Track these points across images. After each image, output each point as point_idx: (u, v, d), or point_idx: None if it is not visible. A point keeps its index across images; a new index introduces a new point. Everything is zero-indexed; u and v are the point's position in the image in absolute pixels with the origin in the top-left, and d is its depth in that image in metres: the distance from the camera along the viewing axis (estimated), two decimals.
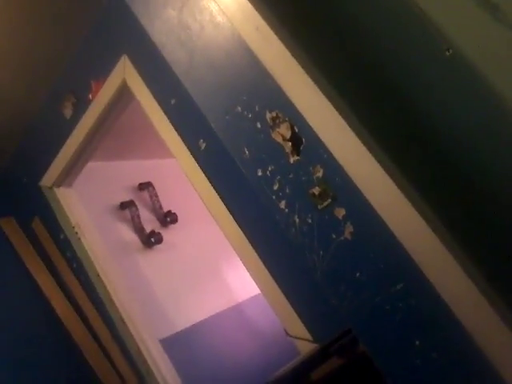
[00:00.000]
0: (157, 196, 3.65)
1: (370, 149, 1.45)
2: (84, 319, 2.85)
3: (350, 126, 1.47)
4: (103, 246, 2.96)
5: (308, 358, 1.77)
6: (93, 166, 3.18)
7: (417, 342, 1.41)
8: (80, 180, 3.05)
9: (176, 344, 2.96)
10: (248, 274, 3.23)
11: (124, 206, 3.42)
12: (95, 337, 2.82)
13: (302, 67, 1.54)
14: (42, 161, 2.91)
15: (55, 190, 2.94)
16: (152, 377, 2.71)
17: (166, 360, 2.79)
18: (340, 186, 1.48)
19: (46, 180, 2.93)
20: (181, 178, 3.53)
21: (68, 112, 2.72)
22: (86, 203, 3.06)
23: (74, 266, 2.91)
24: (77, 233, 2.87)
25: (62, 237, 2.94)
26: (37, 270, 2.92)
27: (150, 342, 2.79)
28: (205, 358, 3.06)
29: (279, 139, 1.56)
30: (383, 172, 1.42)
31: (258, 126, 1.59)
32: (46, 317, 2.86)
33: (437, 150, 1.50)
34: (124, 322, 2.75)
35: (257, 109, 1.59)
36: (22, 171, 3.06)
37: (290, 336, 2.14)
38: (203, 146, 2.25)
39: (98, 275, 2.82)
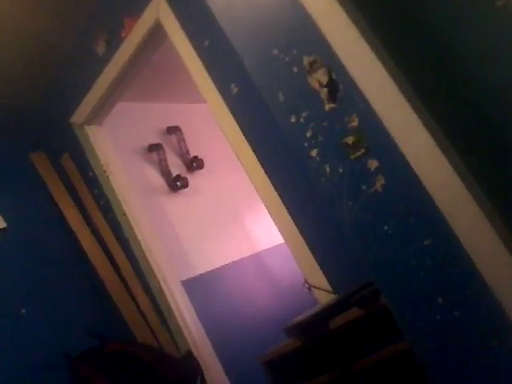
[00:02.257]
0: (184, 141, 3.64)
1: (409, 100, 1.40)
2: (108, 254, 2.92)
3: (390, 76, 1.42)
4: (130, 185, 3.00)
5: (328, 307, 1.79)
6: (123, 106, 3.17)
7: (439, 299, 1.41)
8: (110, 119, 3.06)
9: (197, 286, 3.02)
10: (269, 223, 3.27)
11: (152, 148, 3.43)
12: (118, 272, 2.90)
13: (346, 12, 1.47)
14: (74, 97, 2.92)
15: (85, 127, 2.96)
16: (172, 315, 2.79)
17: (186, 300, 2.86)
18: (375, 136, 1.44)
19: (77, 117, 2.95)
20: (209, 123, 3.52)
21: (100, 49, 2.69)
22: (115, 143, 3.08)
23: (101, 203, 2.97)
24: (105, 171, 2.90)
25: (90, 174, 2.98)
26: (65, 204, 2.98)
27: (172, 282, 2.86)
28: (224, 301, 3.13)
29: (315, 85, 1.52)
30: (421, 125, 1.37)
31: (295, 70, 1.55)
32: (71, 249, 2.94)
33: (476, 105, 1.44)
34: (147, 261, 2.82)
35: (294, 52, 1.54)
36: (53, 107, 3.07)
37: (310, 285, 2.16)
38: (235, 90, 2.21)
39: (124, 214, 2.87)
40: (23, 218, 2.89)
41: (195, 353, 2.69)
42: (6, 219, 2.84)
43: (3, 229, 2.81)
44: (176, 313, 2.79)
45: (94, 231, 2.96)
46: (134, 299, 2.86)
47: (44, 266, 2.83)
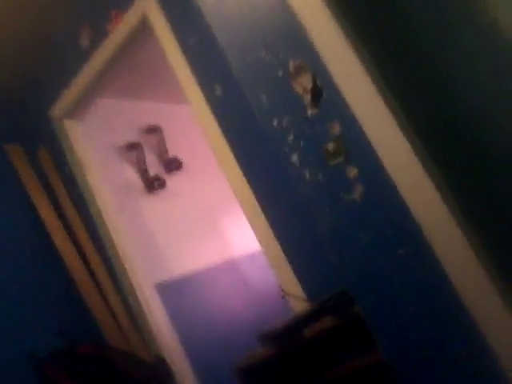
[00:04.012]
0: (164, 141, 3.60)
1: (391, 111, 1.40)
2: (82, 254, 2.86)
3: (374, 85, 1.41)
4: (107, 183, 2.95)
5: (302, 315, 1.77)
6: (104, 103, 3.13)
7: (411, 309, 1.41)
8: (90, 115, 3.01)
9: (171, 290, 2.97)
10: (246, 230, 3.25)
11: (130, 146, 3.38)
12: (92, 273, 2.83)
13: (335, 19, 1.47)
14: (54, 90, 2.86)
15: (64, 121, 2.90)
16: (144, 318, 2.74)
17: (159, 304, 2.81)
18: (355, 145, 1.44)
19: (56, 110, 2.89)
20: (190, 125, 3.49)
21: (84, 41, 2.64)
22: (94, 139, 3.02)
23: (76, 200, 2.91)
24: (82, 167, 2.84)
25: (66, 170, 2.92)
26: (39, 200, 2.91)
27: (145, 284, 2.81)
28: (198, 306, 3.08)
29: (299, 90, 1.50)
30: (402, 136, 1.37)
31: (280, 73, 1.53)
32: (43, 246, 2.87)
33: (457, 117, 1.44)
34: (121, 261, 2.76)
35: (280, 55, 1.53)
36: (32, 98, 3.01)
37: (285, 293, 2.14)
38: (218, 91, 2.19)
39: (99, 212, 2.82)
40: None
41: (167, 358, 2.64)
42: None
43: None
44: (148, 316, 2.74)
45: (68, 229, 2.90)
46: (106, 301, 2.80)
47: (14, 262, 2.75)
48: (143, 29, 2.42)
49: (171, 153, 3.58)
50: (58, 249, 2.85)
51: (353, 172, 1.43)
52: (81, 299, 2.80)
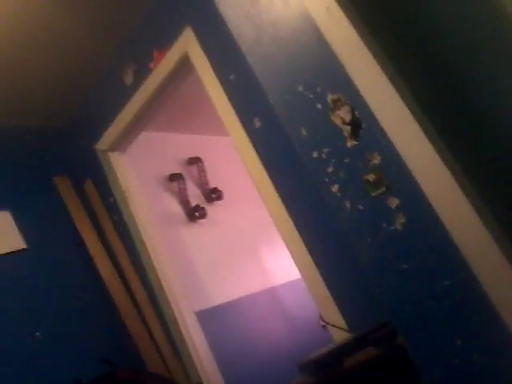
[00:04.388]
0: (204, 171, 3.69)
1: (431, 140, 1.42)
2: (125, 281, 2.93)
3: (412, 115, 1.43)
4: (149, 213, 3.03)
5: (344, 344, 1.76)
6: (147, 136, 3.25)
7: (458, 342, 1.39)
8: (134, 147, 3.13)
9: (211, 318, 3.01)
10: (285, 258, 3.26)
11: (173, 177, 3.48)
12: (133, 300, 2.90)
13: (369, 51, 1.51)
14: (100, 124, 3.00)
15: (109, 153, 3.02)
16: (184, 346, 2.77)
17: (199, 331, 2.84)
18: (396, 175, 1.45)
19: (102, 143, 3.02)
20: (230, 156, 3.57)
21: (129, 79, 2.78)
22: (137, 170, 3.13)
23: (121, 229, 3.00)
24: (126, 198, 2.94)
25: (111, 200, 3.03)
26: (85, 229, 3.02)
27: (186, 312, 2.85)
28: (237, 334, 3.10)
29: (338, 122, 1.54)
30: (443, 165, 1.38)
31: (319, 106, 1.58)
32: (89, 274, 2.96)
33: (497, 145, 1.44)
34: (163, 289, 2.82)
35: (318, 90, 1.58)
36: (79, 133, 3.15)
37: (326, 322, 2.14)
38: (258, 124, 2.25)
39: (143, 241, 2.89)
40: (43, 240, 2.92)
41: None
42: (26, 240, 2.88)
43: (24, 250, 2.85)
44: (189, 343, 2.77)
45: (112, 257, 2.99)
46: (147, 328, 2.85)
47: (61, 289, 2.84)
48: (184, 66, 2.52)
49: (212, 183, 3.65)
50: (102, 276, 2.93)
51: (394, 202, 1.44)
52: (124, 326, 2.86)
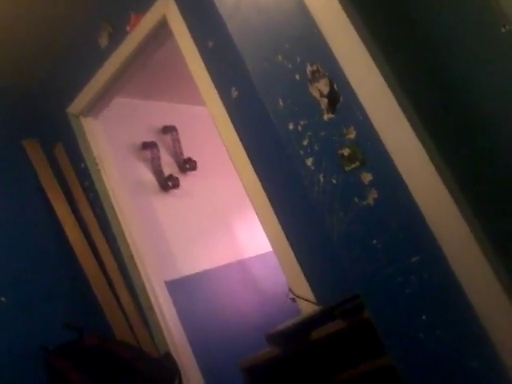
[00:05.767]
0: (179, 141, 3.63)
1: (407, 117, 1.41)
2: (94, 249, 2.89)
3: (391, 91, 1.42)
4: (121, 181, 2.98)
5: (311, 317, 1.78)
6: (121, 102, 3.17)
7: (423, 317, 1.41)
8: (107, 113, 3.05)
9: (180, 288, 3.00)
10: (257, 231, 3.26)
11: (146, 146, 3.42)
12: (102, 267, 2.87)
13: (352, 23, 1.48)
14: (72, 87, 2.90)
15: (81, 118, 2.94)
16: (153, 314, 2.77)
17: (168, 301, 2.84)
18: (371, 150, 1.45)
19: (74, 107, 2.93)
20: (205, 126, 3.52)
21: (103, 41, 2.68)
22: (110, 137, 3.06)
23: (91, 196, 2.95)
24: (97, 164, 2.88)
25: (82, 166, 2.96)
26: (54, 194, 2.95)
27: (156, 281, 2.84)
28: (206, 305, 3.11)
29: (316, 94, 1.52)
30: (418, 142, 1.38)
31: (297, 77, 1.55)
32: (57, 240, 2.92)
33: (472, 120, 1.45)
34: (133, 258, 2.80)
35: (298, 60, 1.55)
36: (50, 95, 3.05)
37: (295, 295, 2.16)
38: (235, 94, 2.22)
39: (113, 209, 2.85)
40: (10, 204, 2.86)
41: (174, 354, 2.67)
42: None
43: None
44: (157, 312, 2.76)
45: (82, 224, 2.94)
46: (116, 295, 2.83)
47: (28, 255, 2.79)
48: (162, 31, 2.45)
49: (186, 153, 3.61)
50: (71, 243, 2.89)
51: (368, 177, 1.44)
52: (92, 294, 2.84)
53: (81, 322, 2.67)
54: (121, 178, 2.99)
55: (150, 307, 2.78)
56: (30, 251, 2.82)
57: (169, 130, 3.60)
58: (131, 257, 2.81)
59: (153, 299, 2.79)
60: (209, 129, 3.26)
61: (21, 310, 2.64)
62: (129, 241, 2.84)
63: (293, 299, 2.46)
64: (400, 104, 1.42)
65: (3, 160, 2.93)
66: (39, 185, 2.98)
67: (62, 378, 2.45)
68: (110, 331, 2.78)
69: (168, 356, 2.63)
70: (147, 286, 2.80)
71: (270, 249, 2.31)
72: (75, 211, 2.96)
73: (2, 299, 2.63)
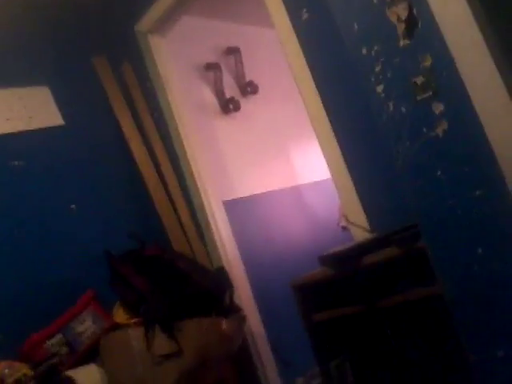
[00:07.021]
0: (242, 63, 3.60)
1: (489, 48, 1.35)
2: (156, 165, 3.02)
3: (475, 21, 1.36)
4: (185, 101, 3.03)
5: (367, 241, 1.84)
6: (187, 20, 3.14)
7: (479, 250, 1.43)
8: (173, 32, 3.05)
9: (236, 208, 3.11)
10: (313, 159, 3.29)
11: (209, 67, 3.42)
12: (164, 183, 3.00)
13: None
14: (140, 5, 2.91)
15: (149, 36, 2.96)
16: (209, 231, 2.91)
17: (224, 219, 2.96)
18: (445, 80, 1.41)
19: (142, 25, 2.95)
20: (269, 49, 3.47)
21: None
22: (176, 56, 3.08)
23: (155, 114, 3.03)
24: (163, 83, 2.94)
25: (148, 85, 3.03)
26: (120, 111, 3.06)
27: (213, 200, 2.95)
28: (260, 226, 3.22)
29: (393, 19, 1.48)
30: (499, 78, 1.33)
31: (375, 0, 1.50)
32: (122, 155, 3.05)
33: None
34: (193, 176, 2.90)
35: None
36: (119, 13, 3.07)
37: (349, 221, 2.20)
38: (305, 16, 2.17)
39: (176, 128, 2.93)
40: (80, 118, 2.98)
41: (227, 269, 2.82)
42: (64, 117, 2.94)
43: (61, 126, 2.93)
44: (214, 229, 2.90)
45: (146, 141, 3.05)
46: (176, 211, 2.98)
47: (96, 166, 2.96)
48: None
49: (248, 76, 3.59)
50: (135, 158, 3.02)
51: (439, 108, 1.42)
52: (154, 209, 2.99)
53: (143, 234, 2.85)
54: (184, 98, 3.04)
55: (207, 224, 2.91)
56: (98, 163, 2.98)
57: (232, 51, 3.57)
58: (192, 175, 2.92)
59: (210, 217, 2.92)
60: (273, 52, 3.22)
61: (88, 218, 2.84)
62: (190, 159, 2.93)
63: (344, 227, 2.51)
64: (483, 35, 1.36)
65: (74, 75, 3.03)
66: (107, 101, 3.08)
67: (125, 280, 2.65)
68: (169, 245, 2.95)
69: (222, 270, 2.79)
70: (205, 203, 2.92)
71: (325, 177, 2.32)
72: (140, 128, 3.07)
73: (73, 206, 2.83)
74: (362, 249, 1.80)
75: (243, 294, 2.89)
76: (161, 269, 2.70)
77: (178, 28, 3.06)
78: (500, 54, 1.36)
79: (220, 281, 2.70)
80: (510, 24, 1.45)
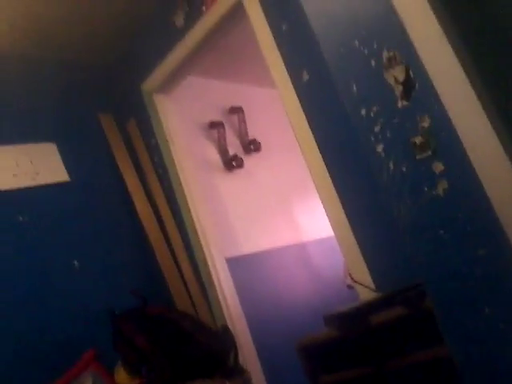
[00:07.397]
0: (245, 122, 3.69)
1: (484, 109, 1.38)
2: (160, 221, 3.02)
3: (469, 82, 1.39)
4: (189, 158, 3.08)
5: (372, 301, 1.80)
6: (192, 80, 3.25)
7: (486, 310, 1.40)
8: (178, 91, 3.14)
9: (240, 265, 3.08)
10: (316, 216, 3.29)
11: (213, 125, 3.49)
12: (167, 239, 3.00)
13: (433, 11, 1.45)
14: (147, 65, 3.01)
15: (154, 95, 3.05)
16: (213, 289, 2.87)
17: (228, 277, 2.93)
18: (444, 140, 1.43)
19: (148, 84, 3.04)
20: (272, 108, 3.56)
21: (179, 21, 2.76)
22: (180, 115, 3.16)
23: (160, 171, 3.07)
24: (167, 141, 2.99)
25: (153, 142, 3.08)
26: (125, 167, 3.10)
27: (217, 257, 2.93)
28: (264, 284, 3.18)
29: (391, 81, 1.52)
30: (495, 138, 1.35)
31: (372, 63, 1.55)
32: (126, 211, 3.06)
33: None
34: (196, 233, 2.90)
35: (374, 45, 1.54)
36: (126, 73, 3.18)
37: (354, 280, 2.17)
38: (306, 77, 2.23)
39: (180, 184, 2.96)
40: (86, 174, 3.02)
41: (231, 328, 2.76)
42: (69, 173, 2.98)
43: (66, 182, 2.96)
44: (217, 287, 2.86)
45: (150, 197, 3.07)
46: (179, 268, 2.95)
47: (99, 222, 2.96)
48: (237, 12, 2.49)
49: (251, 134, 3.66)
50: (139, 214, 3.03)
51: (439, 167, 1.43)
52: (156, 264, 2.97)
53: (145, 292, 2.81)
54: (188, 155, 3.09)
55: (211, 281, 2.88)
56: (102, 219, 2.98)
57: (236, 110, 3.66)
58: (195, 231, 2.92)
59: (213, 274, 2.89)
60: (275, 111, 3.30)
61: (90, 275, 2.81)
62: (193, 216, 2.94)
63: (349, 286, 2.47)
64: (478, 94, 1.39)
65: (81, 131, 3.10)
66: (112, 157, 3.13)
67: (127, 339, 2.59)
68: (172, 303, 2.91)
69: (226, 329, 2.73)
70: (209, 260, 2.90)
71: (329, 234, 2.32)
72: (144, 184, 3.10)
73: (75, 263, 2.81)
74: (368, 308, 1.76)
75: (247, 352, 2.81)
76: (164, 328, 2.64)
77: (182, 87, 3.15)
78: (495, 114, 1.38)
79: (224, 341, 2.64)
80: (505, 84, 1.49)
